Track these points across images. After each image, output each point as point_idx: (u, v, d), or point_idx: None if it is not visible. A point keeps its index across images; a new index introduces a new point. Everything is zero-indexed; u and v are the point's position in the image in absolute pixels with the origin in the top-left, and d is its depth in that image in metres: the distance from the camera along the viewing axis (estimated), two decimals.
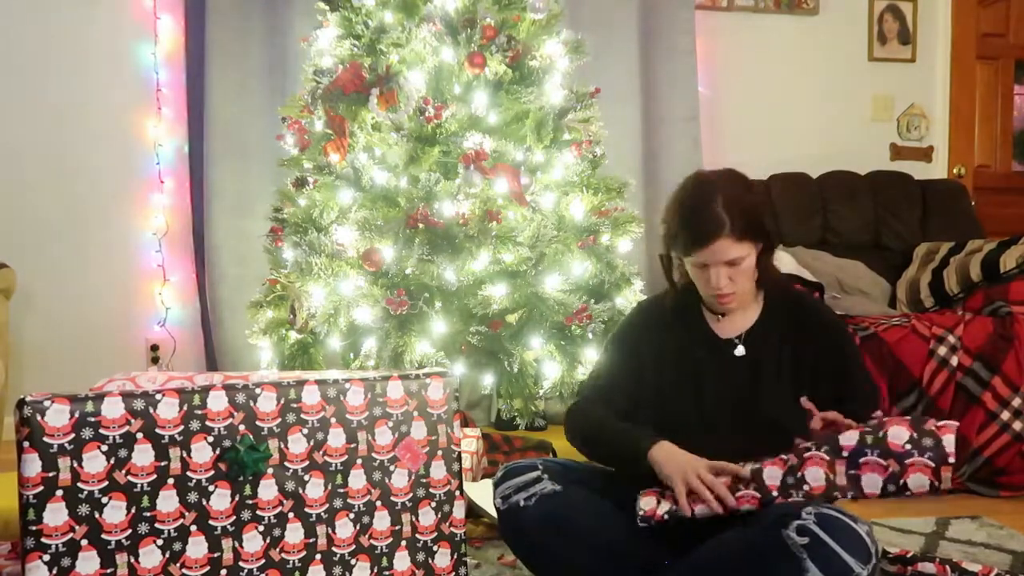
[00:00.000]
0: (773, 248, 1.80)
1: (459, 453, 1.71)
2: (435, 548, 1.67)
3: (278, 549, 1.53)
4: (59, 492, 1.39)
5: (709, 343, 1.80)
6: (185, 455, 1.47)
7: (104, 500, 1.41)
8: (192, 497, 1.47)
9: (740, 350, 1.78)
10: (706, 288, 1.74)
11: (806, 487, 1.53)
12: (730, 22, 4.08)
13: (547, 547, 1.69)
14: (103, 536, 1.41)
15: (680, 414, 1.76)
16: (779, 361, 1.75)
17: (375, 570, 1.61)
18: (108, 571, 1.41)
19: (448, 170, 2.62)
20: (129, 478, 1.43)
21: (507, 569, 2.02)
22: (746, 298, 1.78)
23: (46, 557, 1.38)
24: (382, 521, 1.62)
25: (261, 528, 1.52)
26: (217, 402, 1.50)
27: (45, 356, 3.55)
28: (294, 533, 1.55)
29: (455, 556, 1.69)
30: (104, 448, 1.42)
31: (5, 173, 3.56)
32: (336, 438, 1.59)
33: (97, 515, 1.41)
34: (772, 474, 1.56)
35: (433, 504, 1.67)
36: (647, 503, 1.62)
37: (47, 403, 1.39)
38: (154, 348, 3.68)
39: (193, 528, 1.47)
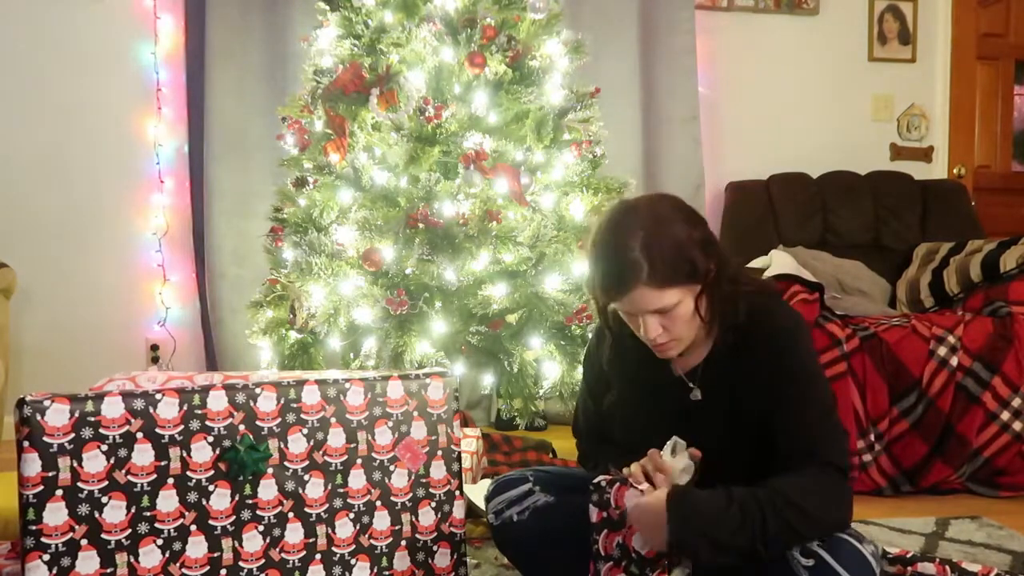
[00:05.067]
0: (720, 274, 1.50)
1: (459, 453, 1.71)
2: (435, 548, 1.67)
3: (278, 549, 1.53)
4: (59, 492, 1.39)
5: (665, 381, 1.62)
6: (185, 455, 1.47)
7: (104, 500, 1.41)
8: (192, 497, 1.47)
9: (697, 394, 1.58)
10: (642, 337, 1.52)
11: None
12: (730, 22, 4.08)
13: (545, 559, 1.68)
14: (103, 536, 1.41)
15: (642, 444, 1.60)
16: (729, 400, 1.56)
17: (375, 570, 1.61)
18: (108, 571, 1.41)
19: (448, 170, 2.62)
20: (129, 478, 1.43)
21: (507, 569, 2.02)
22: (689, 342, 1.53)
23: (46, 557, 1.38)
24: (382, 521, 1.62)
25: (261, 528, 1.52)
26: (217, 402, 1.50)
27: (45, 356, 3.54)
28: (294, 533, 1.55)
29: (455, 556, 1.69)
30: (104, 448, 1.42)
31: (5, 173, 3.56)
32: (336, 438, 1.59)
33: (97, 515, 1.41)
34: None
35: (433, 504, 1.67)
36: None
37: (47, 403, 1.39)
38: (154, 348, 3.68)
39: (193, 528, 1.47)
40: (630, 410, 1.68)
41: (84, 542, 1.40)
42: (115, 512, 1.42)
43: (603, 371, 1.74)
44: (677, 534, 1.38)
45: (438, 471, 1.68)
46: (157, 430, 1.45)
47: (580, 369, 2.57)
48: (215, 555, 1.48)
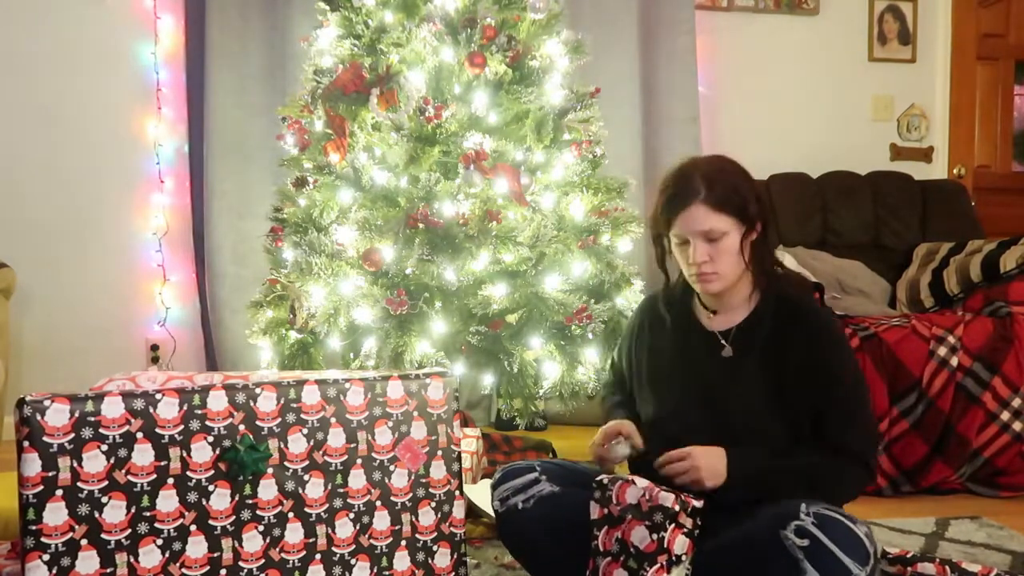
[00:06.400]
0: (765, 238, 1.73)
1: (459, 453, 1.71)
2: (435, 548, 1.67)
3: (278, 549, 1.53)
4: (59, 492, 1.39)
5: (699, 340, 1.77)
6: (185, 455, 1.47)
7: (104, 500, 1.41)
8: (192, 497, 1.47)
9: (728, 351, 1.73)
10: (688, 266, 1.71)
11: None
12: (730, 22, 4.08)
13: (545, 549, 1.69)
14: (103, 536, 1.41)
15: (660, 406, 1.76)
16: (761, 364, 1.69)
17: (375, 570, 1.61)
18: (108, 571, 1.41)
19: (448, 170, 2.62)
20: (129, 478, 1.43)
21: (506, 570, 2.02)
22: (730, 283, 1.71)
23: (46, 557, 1.38)
24: (382, 521, 1.62)
25: (261, 528, 1.52)
26: (217, 402, 1.50)
27: (45, 356, 3.54)
28: (294, 533, 1.55)
29: (455, 556, 1.69)
30: (104, 448, 1.41)
31: (5, 173, 3.56)
32: (336, 438, 1.59)
33: (97, 515, 1.41)
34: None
35: (433, 504, 1.67)
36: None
37: (47, 403, 1.39)
38: (154, 348, 3.68)
39: (193, 528, 1.47)
40: (664, 363, 1.80)
41: (84, 542, 1.40)
42: (115, 512, 1.42)
43: (633, 347, 1.89)
44: (734, 466, 1.60)
45: (438, 471, 1.68)
46: (157, 430, 1.45)
47: (580, 369, 2.59)
48: (215, 555, 1.48)
